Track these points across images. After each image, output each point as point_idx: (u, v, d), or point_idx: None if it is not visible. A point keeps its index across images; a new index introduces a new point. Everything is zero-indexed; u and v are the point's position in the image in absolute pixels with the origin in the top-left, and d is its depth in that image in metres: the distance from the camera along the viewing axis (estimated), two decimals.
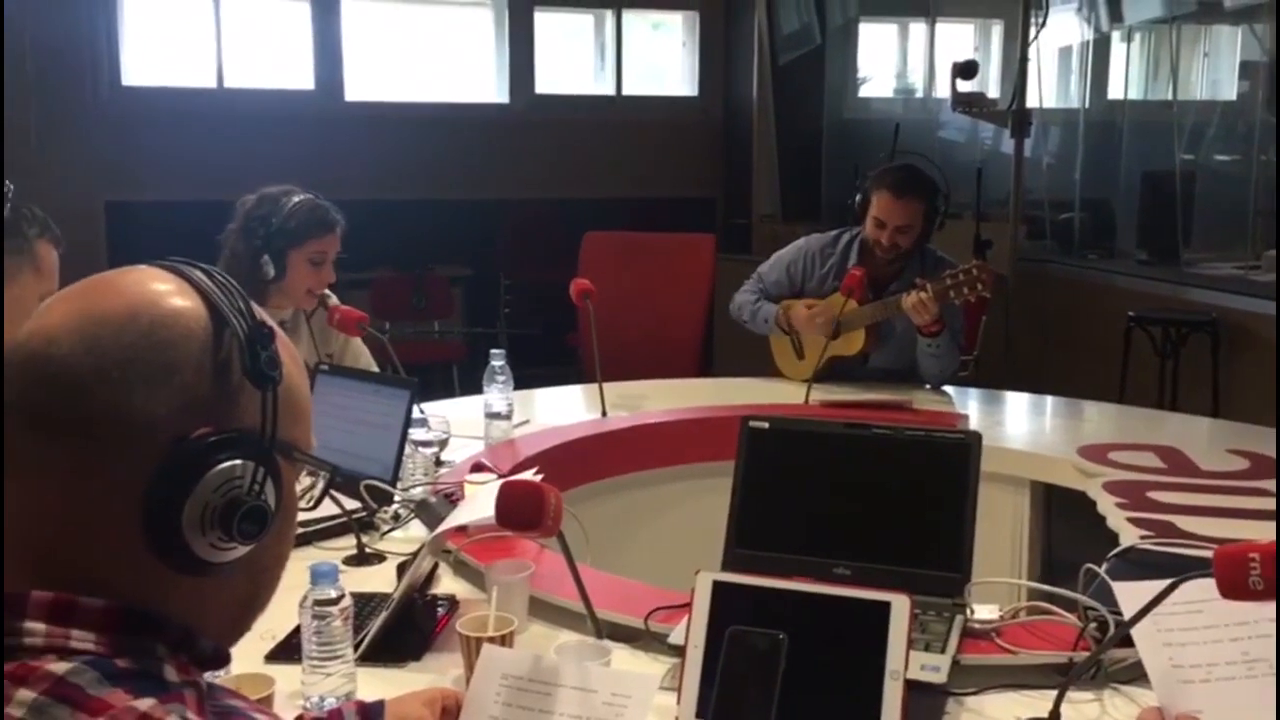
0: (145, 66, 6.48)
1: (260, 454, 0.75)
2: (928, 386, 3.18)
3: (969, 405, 3.12)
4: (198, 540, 0.73)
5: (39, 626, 0.68)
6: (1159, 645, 1.34)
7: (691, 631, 1.34)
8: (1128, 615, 1.30)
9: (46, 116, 6.14)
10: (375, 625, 1.58)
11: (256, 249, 2.58)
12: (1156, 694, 1.32)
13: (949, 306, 2.98)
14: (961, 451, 1.69)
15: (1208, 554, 1.18)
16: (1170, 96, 6.11)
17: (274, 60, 6.70)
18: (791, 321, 3.24)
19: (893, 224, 3.09)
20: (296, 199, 2.62)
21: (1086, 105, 6.69)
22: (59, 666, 0.67)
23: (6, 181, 1.57)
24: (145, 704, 0.67)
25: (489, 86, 7.11)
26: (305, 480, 0.87)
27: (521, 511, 1.40)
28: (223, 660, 0.78)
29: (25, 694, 0.65)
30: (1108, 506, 2.21)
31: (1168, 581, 1.24)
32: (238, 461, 0.74)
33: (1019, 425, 3.07)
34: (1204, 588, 1.21)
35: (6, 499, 0.72)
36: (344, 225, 2.68)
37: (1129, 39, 6.67)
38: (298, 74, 6.67)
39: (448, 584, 1.83)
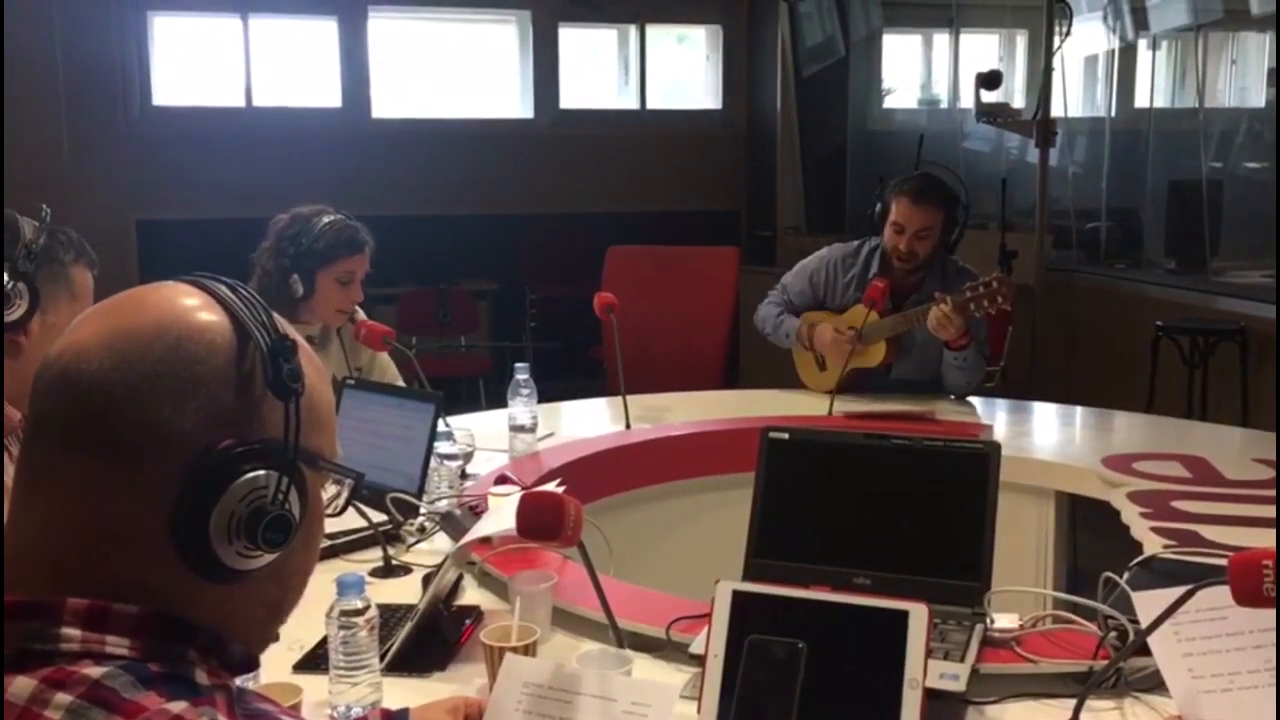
0: (175, 87, 6.58)
1: (284, 464, 0.77)
2: (952, 398, 3.18)
3: (994, 416, 3.11)
4: (224, 549, 0.75)
5: (75, 632, 0.70)
6: (1178, 655, 1.33)
7: (711, 641, 1.35)
8: (1145, 624, 1.30)
9: (78, 136, 6.24)
10: (401, 636, 1.60)
11: (286, 268, 2.62)
12: (1177, 703, 1.32)
13: (972, 319, 2.97)
14: (981, 461, 1.70)
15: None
16: (1197, 104, 6.07)
17: (301, 79, 6.78)
18: (814, 341, 3.24)
19: (910, 229, 3.10)
20: (327, 219, 2.66)
21: (1112, 114, 6.66)
22: (94, 670, 0.69)
23: (44, 206, 1.61)
24: (178, 707, 0.69)
25: (514, 102, 7.16)
26: (331, 489, 0.89)
27: (541, 521, 1.42)
28: (252, 665, 0.80)
29: (63, 697, 0.67)
30: (1132, 516, 2.21)
31: (1185, 589, 1.24)
32: (262, 472, 0.76)
33: (1044, 436, 3.06)
34: (1226, 595, 1.21)
35: (39, 510, 0.74)
36: (373, 246, 2.71)
37: (1155, 47, 6.64)
38: (325, 92, 6.74)
39: (472, 595, 1.85)
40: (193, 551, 0.74)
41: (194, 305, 0.78)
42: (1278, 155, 4.97)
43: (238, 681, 0.79)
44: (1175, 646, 1.33)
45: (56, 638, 0.70)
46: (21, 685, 0.68)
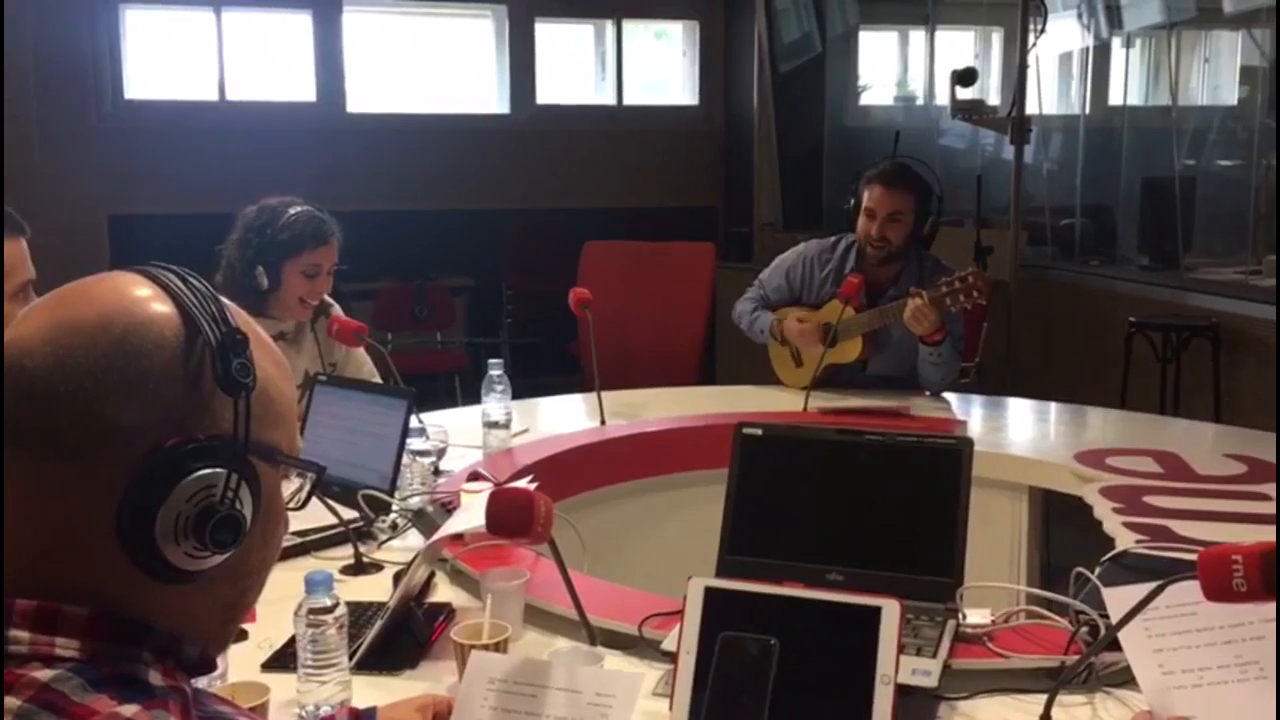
0: (148, 80, 6.53)
1: (234, 462, 0.75)
2: (928, 394, 3.18)
3: (969, 412, 3.12)
4: (172, 549, 0.73)
5: (23, 634, 0.68)
6: (1149, 651, 1.34)
7: (684, 637, 1.35)
8: (1116, 620, 1.31)
9: (50, 130, 6.18)
10: (371, 634, 1.59)
11: (251, 259, 2.59)
12: (1147, 699, 1.33)
13: (948, 314, 2.98)
14: (953, 457, 1.70)
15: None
16: (1170, 102, 6.11)
17: (276, 73, 6.73)
18: (785, 333, 3.25)
19: (882, 213, 3.11)
20: (294, 211, 2.63)
21: (1087, 111, 6.70)
22: (43, 674, 0.67)
23: None
24: (130, 710, 0.67)
25: (490, 97, 7.14)
26: (296, 482, 0.87)
27: (511, 518, 1.41)
28: (209, 666, 0.79)
29: (11, 701, 0.66)
30: (1104, 511, 2.22)
31: (1154, 585, 1.24)
32: (210, 470, 0.73)
33: (1018, 431, 3.07)
34: (1197, 591, 1.21)
35: None
36: (340, 237, 2.68)
37: (1129, 45, 6.68)
38: (299, 86, 6.70)
39: (444, 592, 1.84)
40: (140, 553, 0.72)
41: (141, 297, 0.76)
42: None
43: (196, 683, 0.77)
44: (1145, 642, 1.33)
45: (4, 639, 0.68)
46: None
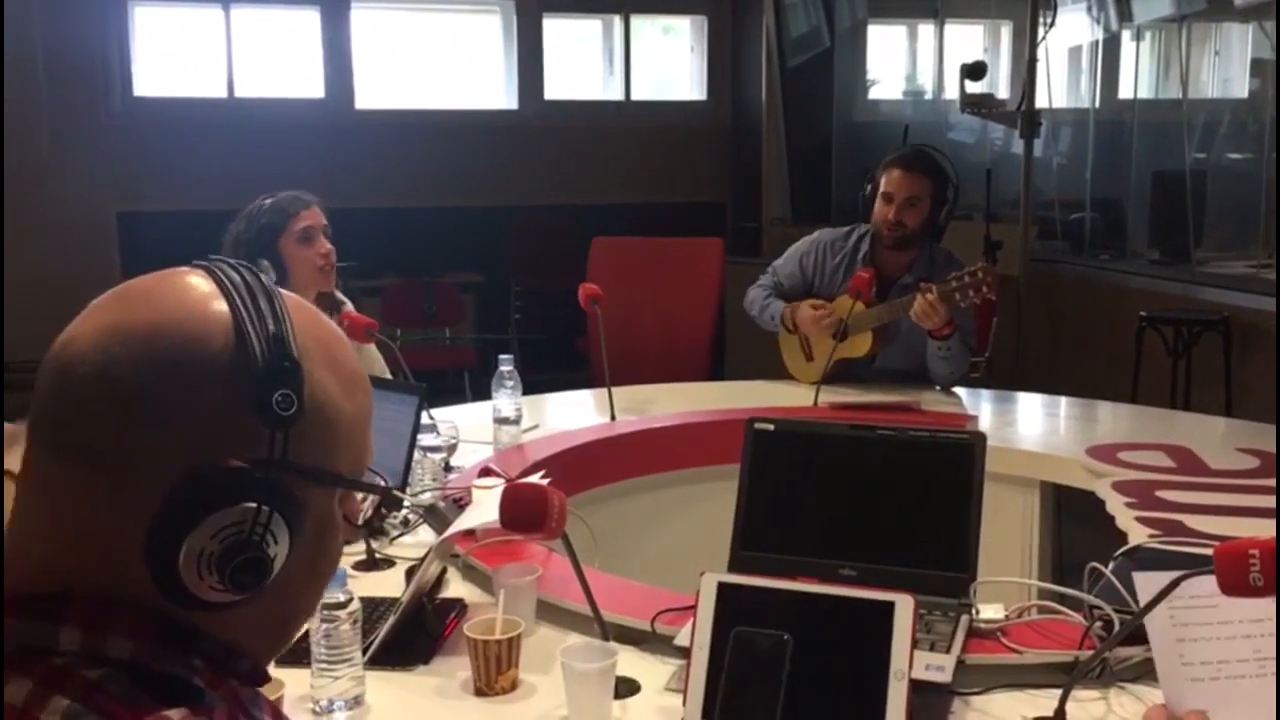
0: (156, 77, 6.54)
1: (268, 495, 0.71)
2: (938, 388, 3.18)
3: (980, 406, 3.11)
4: (195, 583, 0.70)
5: (75, 633, 0.67)
6: (1172, 641, 1.33)
7: (696, 633, 1.35)
8: (1144, 603, 1.30)
9: (59, 127, 6.19)
10: (384, 629, 1.59)
11: (251, 257, 2.60)
12: (1163, 690, 1.32)
13: (958, 310, 2.97)
14: (966, 452, 1.70)
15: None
16: (1181, 95, 6.09)
17: (284, 69, 6.74)
18: (797, 321, 3.24)
19: (899, 197, 3.11)
20: (265, 200, 2.68)
21: (1097, 105, 6.67)
22: (93, 673, 0.66)
23: None
24: (176, 714, 0.66)
25: (498, 93, 7.13)
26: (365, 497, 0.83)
27: (524, 513, 1.41)
28: (260, 678, 0.76)
29: (59, 701, 0.65)
30: (1116, 506, 2.21)
31: (1178, 575, 1.23)
32: (240, 505, 0.70)
33: (1029, 426, 3.07)
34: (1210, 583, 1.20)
35: (37, 514, 0.71)
36: (318, 201, 2.71)
37: (1139, 38, 6.65)
38: (308, 83, 6.71)
39: (456, 588, 1.84)
40: (164, 581, 0.69)
41: (199, 308, 0.72)
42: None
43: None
44: (1170, 632, 1.32)
45: (56, 637, 0.67)
46: (18, 686, 0.66)
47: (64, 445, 0.70)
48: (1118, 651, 1.46)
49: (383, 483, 0.82)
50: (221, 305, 0.73)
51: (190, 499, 0.69)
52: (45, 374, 0.72)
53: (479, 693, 1.50)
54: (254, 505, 0.70)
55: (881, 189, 3.15)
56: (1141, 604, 1.29)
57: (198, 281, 0.75)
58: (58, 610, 0.68)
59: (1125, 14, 6.49)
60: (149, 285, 0.74)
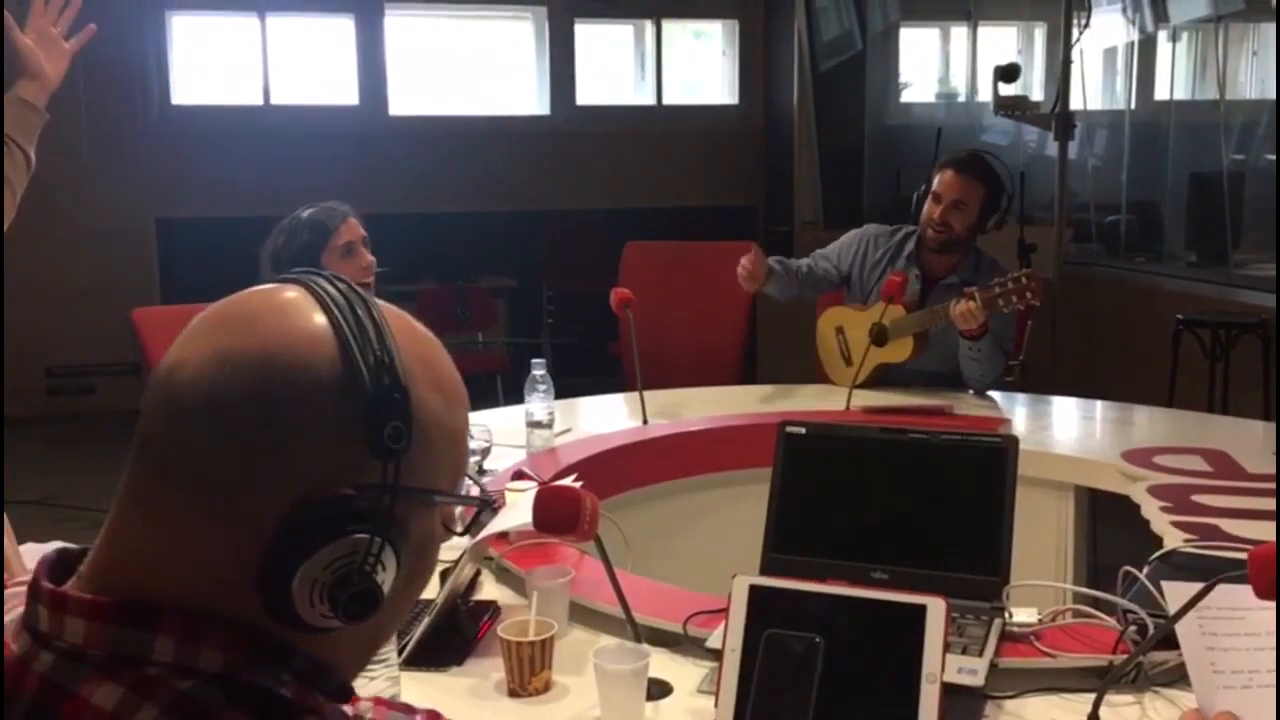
0: (194, 85, 6.62)
1: (379, 526, 0.71)
2: (972, 392, 3.16)
3: (1014, 410, 3.10)
4: (306, 610, 0.70)
5: (169, 644, 0.68)
6: (1202, 649, 1.32)
7: (729, 635, 1.35)
8: (1174, 612, 1.29)
9: (98, 135, 6.28)
10: (418, 630, 1.61)
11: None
12: (1197, 696, 1.31)
13: (996, 314, 2.96)
14: (999, 455, 1.69)
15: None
16: (1218, 96, 6.03)
17: (319, 77, 6.81)
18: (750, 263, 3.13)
19: (948, 198, 3.10)
20: (302, 214, 2.68)
21: (1132, 106, 6.63)
22: (184, 684, 0.67)
23: None
24: None
25: (530, 99, 7.17)
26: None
27: (558, 515, 1.42)
28: (347, 694, 0.76)
29: (149, 710, 0.65)
30: (1151, 510, 2.19)
31: (1207, 583, 1.23)
32: (350, 538, 0.70)
33: (1063, 430, 3.05)
34: (1245, 595, 1.20)
35: (137, 530, 0.72)
36: (353, 212, 2.72)
37: (1175, 39, 6.60)
38: (342, 90, 6.77)
39: (490, 590, 1.86)
40: (276, 608, 0.70)
41: (306, 332, 0.72)
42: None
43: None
44: (1200, 640, 1.32)
45: (150, 646, 0.68)
46: (108, 692, 0.66)
47: (171, 470, 0.70)
48: (1152, 656, 1.45)
49: (477, 491, 0.81)
50: (327, 329, 0.72)
51: (303, 529, 0.69)
52: (153, 398, 0.72)
53: (512, 694, 1.51)
54: (365, 536, 0.70)
55: (933, 188, 3.16)
56: (1170, 610, 1.29)
57: (301, 303, 0.73)
58: (153, 620, 0.68)
59: (1161, 14, 6.44)
60: (253, 309, 0.73)
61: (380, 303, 0.77)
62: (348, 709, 0.74)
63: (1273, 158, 5.85)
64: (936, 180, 3.16)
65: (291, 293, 0.74)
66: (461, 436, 0.79)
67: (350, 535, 0.70)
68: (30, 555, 1.64)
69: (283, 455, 0.69)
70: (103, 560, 0.72)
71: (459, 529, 0.82)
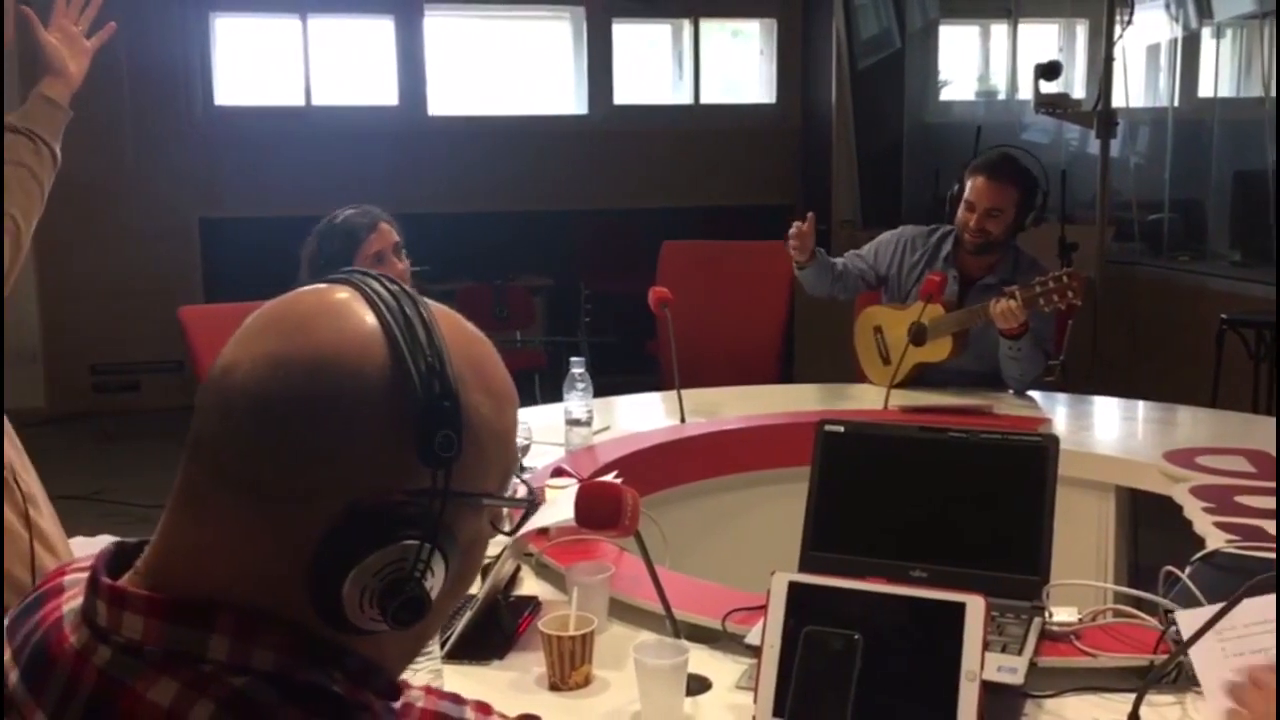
0: (236, 86, 6.69)
1: (429, 531, 0.72)
2: (1012, 392, 3.14)
3: (1054, 410, 3.08)
4: (356, 615, 0.71)
5: (224, 642, 0.69)
6: (1225, 671, 1.30)
7: (768, 632, 1.36)
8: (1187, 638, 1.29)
9: (143, 136, 6.37)
10: (460, 625, 1.63)
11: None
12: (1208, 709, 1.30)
13: (1037, 313, 2.94)
14: (1039, 455, 1.69)
15: None
16: (1263, 93, 5.95)
17: (359, 78, 6.86)
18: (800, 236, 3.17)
19: (982, 206, 3.08)
20: (337, 218, 2.67)
21: (1176, 104, 6.55)
22: (238, 680, 0.68)
23: None
24: None
25: (568, 98, 7.19)
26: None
27: (600, 510, 1.43)
28: (395, 693, 0.76)
29: (205, 705, 0.67)
30: (1194, 511, 2.18)
31: (1219, 606, 1.22)
32: (400, 544, 0.71)
33: (1105, 430, 3.03)
34: (1268, 608, 1.19)
35: (190, 530, 0.73)
36: (386, 216, 2.71)
37: (1219, 35, 6.52)
38: (382, 90, 6.82)
39: (530, 585, 1.87)
40: (326, 610, 0.71)
41: (358, 337, 0.72)
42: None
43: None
44: (1222, 662, 1.30)
45: (205, 644, 0.69)
46: (165, 687, 0.67)
47: (225, 472, 0.71)
48: None
49: (524, 490, 0.82)
50: (378, 332, 0.72)
51: (353, 534, 0.70)
52: (207, 400, 0.73)
53: (553, 687, 1.53)
54: (415, 542, 0.71)
55: (965, 195, 3.13)
56: (1184, 636, 1.28)
57: (353, 306, 0.73)
58: (209, 618, 0.69)
59: (1205, 11, 6.36)
60: (305, 312, 0.74)
61: (430, 303, 0.77)
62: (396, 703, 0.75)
63: None
64: (969, 187, 3.13)
65: (343, 293, 0.75)
66: (511, 438, 0.80)
67: (400, 541, 0.71)
68: (79, 549, 1.67)
69: (332, 461, 0.70)
70: (157, 557, 0.74)
71: (507, 528, 0.83)
